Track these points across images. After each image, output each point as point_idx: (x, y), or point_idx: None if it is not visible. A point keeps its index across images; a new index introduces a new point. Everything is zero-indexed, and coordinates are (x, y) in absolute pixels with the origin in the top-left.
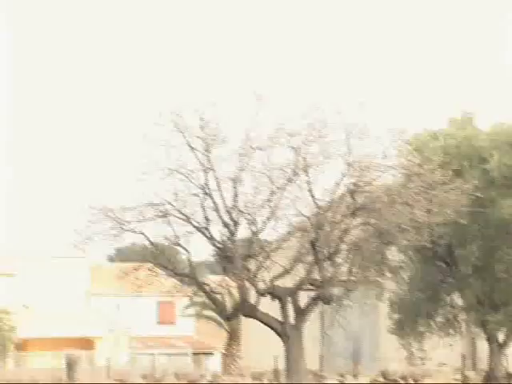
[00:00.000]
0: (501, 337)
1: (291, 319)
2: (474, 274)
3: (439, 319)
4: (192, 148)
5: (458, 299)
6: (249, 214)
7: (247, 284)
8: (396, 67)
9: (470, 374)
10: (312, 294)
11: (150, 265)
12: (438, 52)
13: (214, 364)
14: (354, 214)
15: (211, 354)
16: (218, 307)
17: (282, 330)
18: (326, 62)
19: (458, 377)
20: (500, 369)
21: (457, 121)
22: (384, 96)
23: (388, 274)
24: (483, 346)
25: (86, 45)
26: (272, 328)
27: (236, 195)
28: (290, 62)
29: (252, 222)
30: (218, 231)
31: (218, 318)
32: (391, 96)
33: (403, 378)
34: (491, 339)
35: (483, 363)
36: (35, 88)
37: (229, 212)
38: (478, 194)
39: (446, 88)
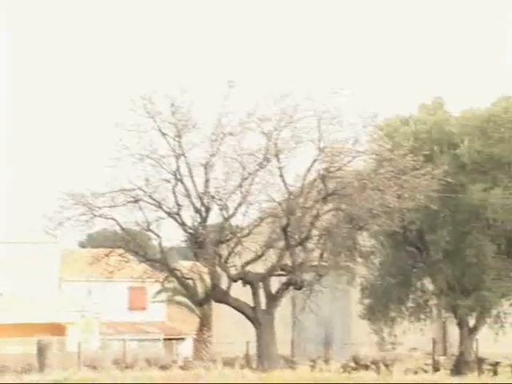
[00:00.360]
0: (471, 321)
1: (263, 305)
2: (444, 259)
3: (410, 304)
4: (163, 133)
5: (428, 284)
6: (220, 200)
7: (218, 270)
8: (376, 55)
9: (441, 358)
10: (283, 279)
11: (121, 250)
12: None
13: (186, 350)
14: (325, 200)
15: (183, 339)
16: (190, 293)
17: (253, 316)
18: (298, 48)
19: (429, 361)
20: (470, 353)
21: (427, 106)
22: (358, 82)
23: (359, 260)
24: (454, 331)
25: (56, 30)
26: (243, 313)
27: (207, 181)
28: (262, 47)
29: (223, 208)
30: (189, 217)
31: (190, 304)
32: (366, 82)
33: (374, 362)
34: (462, 324)
35: (454, 348)
36: None
37: (200, 198)
38: (449, 180)
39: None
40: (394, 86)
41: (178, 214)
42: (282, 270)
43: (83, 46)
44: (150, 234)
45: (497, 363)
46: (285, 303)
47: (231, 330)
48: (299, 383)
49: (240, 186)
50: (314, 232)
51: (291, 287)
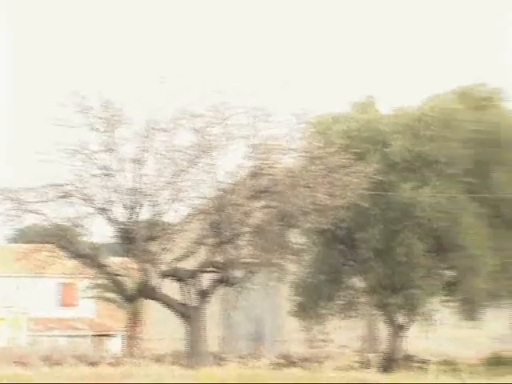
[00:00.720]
0: (400, 319)
1: (193, 301)
2: (375, 257)
3: (340, 302)
4: (94, 128)
5: (359, 282)
6: (151, 196)
7: (149, 266)
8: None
9: (370, 356)
10: (214, 276)
11: (50, 246)
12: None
13: (116, 346)
14: (256, 197)
15: (112, 336)
16: (120, 289)
17: (183, 312)
18: (230, 44)
19: (358, 359)
20: (399, 351)
21: (359, 104)
22: (291, 79)
23: (290, 257)
24: (384, 329)
25: None
26: (173, 310)
27: (138, 176)
28: (194, 42)
29: (154, 204)
30: (119, 213)
31: (120, 300)
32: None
33: (304, 360)
34: (391, 322)
35: (384, 345)
36: None
37: (131, 193)
38: (380, 178)
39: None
40: (329, 84)
41: (108, 210)
42: (212, 266)
43: (14, 41)
44: (80, 229)
45: (425, 360)
46: (215, 300)
47: (161, 327)
48: (227, 382)
49: (171, 182)
50: (246, 229)
51: (222, 284)
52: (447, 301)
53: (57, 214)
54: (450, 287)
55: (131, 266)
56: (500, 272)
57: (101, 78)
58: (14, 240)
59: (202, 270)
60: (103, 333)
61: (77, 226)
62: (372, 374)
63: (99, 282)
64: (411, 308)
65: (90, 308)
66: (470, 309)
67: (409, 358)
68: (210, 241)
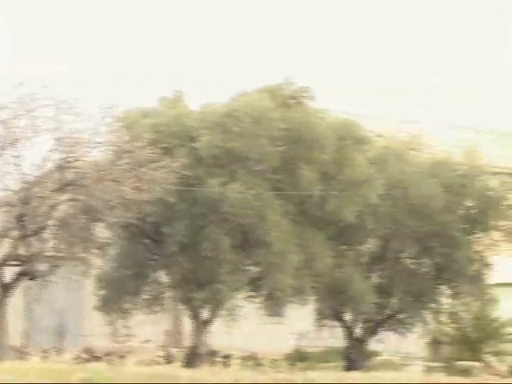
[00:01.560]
0: (205, 314)
1: None
2: (180, 252)
3: (145, 296)
4: None
5: (164, 277)
6: None
7: None
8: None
9: (174, 350)
10: (18, 269)
11: None
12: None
13: None
14: (62, 190)
15: None
16: None
17: None
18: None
19: (162, 353)
20: (203, 346)
21: (168, 99)
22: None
23: (95, 251)
24: (188, 324)
25: None
26: None
27: None
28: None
29: None
30: None
31: None
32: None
33: (108, 354)
34: (195, 316)
35: (188, 340)
36: None
37: None
38: (187, 173)
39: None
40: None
41: None
42: (16, 260)
43: None
44: None
45: (228, 355)
46: (18, 293)
47: None
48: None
49: None
50: (51, 222)
51: (26, 277)
52: (252, 296)
53: None
54: (255, 283)
55: None
56: (304, 268)
57: None
58: None
59: (4, 263)
60: None
61: None
62: (175, 369)
63: None
64: (216, 303)
65: None
66: (275, 304)
67: (213, 353)
68: (15, 234)
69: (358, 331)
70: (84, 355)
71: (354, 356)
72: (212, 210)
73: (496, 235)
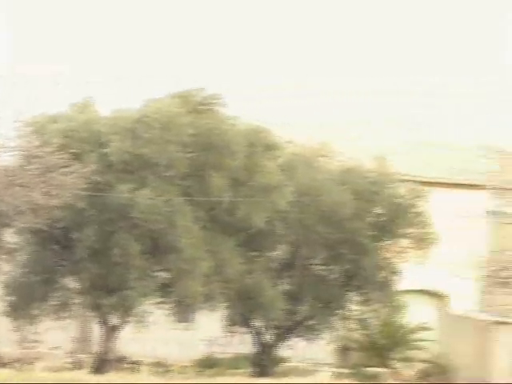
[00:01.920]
0: (114, 320)
1: None
2: (90, 258)
3: (54, 302)
4: None
5: (73, 283)
6: None
7: None
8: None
9: (83, 357)
10: None
11: None
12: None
13: None
14: None
15: None
16: None
17: None
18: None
19: (70, 359)
20: (112, 352)
21: (78, 105)
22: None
23: (3, 256)
24: (97, 330)
25: None
26: None
27: None
28: None
29: None
30: None
31: None
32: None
33: (15, 360)
34: (104, 323)
35: (97, 347)
36: None
37: None
38: (97, 178)
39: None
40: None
41: None
42: None
43: None
44: None
45: (137, 361)
46: None
47: None
48: None
49: None
50: None
51: None
52: (161, 302)
53: None
54: (165, 289)
55: None
56: (214, 275)
57: None
58: None
59: None
60: None
61: None
62: (83, 375)
63: None
64: (125, 309)
65: None
66: (184, 311)
67: (122, 359)
68: None
69: (267, 337)
70: None
71: (264, 362)
72: (122, 216)
73: (404, 242)
